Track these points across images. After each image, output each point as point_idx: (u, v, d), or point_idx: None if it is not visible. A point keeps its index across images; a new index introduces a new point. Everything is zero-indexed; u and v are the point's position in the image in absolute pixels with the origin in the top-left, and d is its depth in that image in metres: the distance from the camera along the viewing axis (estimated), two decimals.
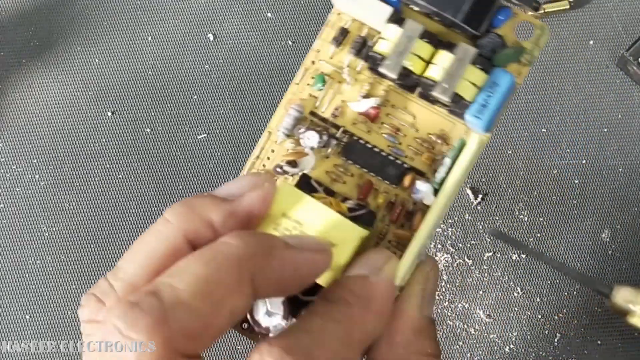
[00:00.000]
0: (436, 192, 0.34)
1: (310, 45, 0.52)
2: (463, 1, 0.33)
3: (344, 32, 0.35)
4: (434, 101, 0.35)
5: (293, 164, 0.35)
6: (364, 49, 0.35)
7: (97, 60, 0.51)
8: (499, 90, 0.33)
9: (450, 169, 0.33)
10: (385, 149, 0.36)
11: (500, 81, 0.33)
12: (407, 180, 0.35)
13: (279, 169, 0.36)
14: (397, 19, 0.34)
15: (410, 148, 0.35)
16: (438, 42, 0.34)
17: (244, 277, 0.24)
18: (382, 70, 0.33)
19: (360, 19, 0.35)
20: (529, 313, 0.48)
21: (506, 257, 0.49)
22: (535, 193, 0.49)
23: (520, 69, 0.34)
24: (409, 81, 0.34)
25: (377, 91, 0.36)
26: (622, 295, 0.27)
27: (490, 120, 0.33)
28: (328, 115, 0.36)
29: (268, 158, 0.37)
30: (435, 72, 0.33)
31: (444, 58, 0.33)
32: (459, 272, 0.48)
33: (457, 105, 0.34)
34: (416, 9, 0.35)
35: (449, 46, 0.33)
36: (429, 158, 0.35)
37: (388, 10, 0.34)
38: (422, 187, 0.34)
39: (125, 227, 0.49)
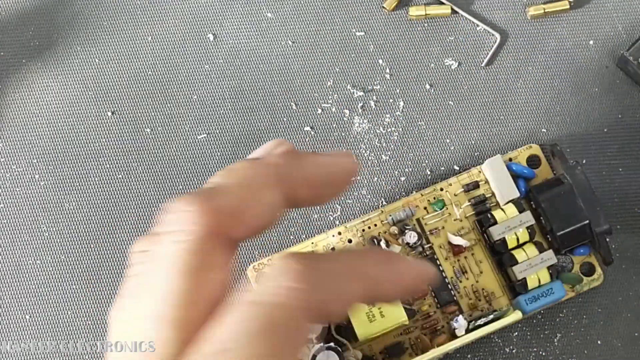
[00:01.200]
0: (467, 331, 0.44)
1: (311, 45, 0.53)
2: (567, 224, 0.45)
3: (475, 185, 0.47)
4: (504, 271, 0.46)
5: (387, 243, 0.46)
6: (480, 204, 0.47)
7: (97, 60, 0.51)
8: (551, 296, 0.44)
9: (486, 323, 0.44)
10: (449, 278, 0.46)
11: (555, 291, 0.44)
12: (451, 309, 0.46)
13: (374, 240, 0.46)
14: (517, 203, 0.46)
15: (465, 289, 0.47)
16: (533, 237, 0.46)
17: (276, 172, 0.29)
18: (490, 230, 0.45)
19: (492, 186, 0.47)
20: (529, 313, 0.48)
21: None
22: None
23: (569, 290, 0.46)
24: (498, 247, 0.45)
25: (470, 237, 0.47)
26: None
27: (532, 310, 0.44)
28: (428, 229, 0.47)
29: (369, 227, 0.47)
30: (521, 256, 0.45)
31: (532, 251, 0.45)
32: None
33: (519, 286, 0.45)
34: (533, 206, 0.46)
35: (539, 245, 0.45)
36: (472, 305, 0.46)
37: (516, 194, 0.46)
38: (461, 322, 0.44)
39: (125, 227, 0.49)
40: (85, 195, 0.50)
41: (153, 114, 0.50)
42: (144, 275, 0.27)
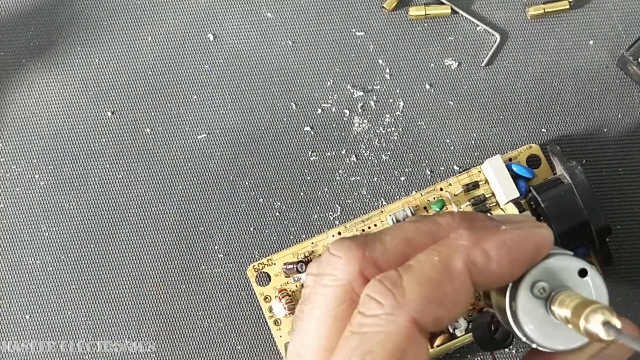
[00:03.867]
0: (466, 331, 0.44)
1: (311, 45, 0.53)
2: (567, 224, 0.45)
3: (475, 185, 0.47)
4: None
5: None
6: (480, 204, 0.47)
7: (97, 60, 0.51)
8: None
9: None
10: None
11: None
12: None
13: None
14: (517, 203, 0.45)
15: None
16: None
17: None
18: None
19: (492, 186, 0.47)
20: None
21: None
22: None
23: None
24: None
25: None
26: None
27: None
28: None
29: (369, 227, 0.47)
30: None
31: None
32: None
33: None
34: (533, 206, 0.46)
35: None
36: (472, 305, 0.45)
37: (515, 194, 0.46)
38: (461, 322, 0.44)
39: (125, 227, 0.49)
40: (85, 195, 0.50)
41: (153, 114, 0.50)
42: (302, 310, 0.28)
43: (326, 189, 0.50)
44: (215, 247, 0.49)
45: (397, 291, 0.26)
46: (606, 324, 0.26)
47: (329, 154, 0.50)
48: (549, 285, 0.29)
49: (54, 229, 0.49)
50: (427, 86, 0.51)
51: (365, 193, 0.49)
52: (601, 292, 0.29)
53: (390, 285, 0.26)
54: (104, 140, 0.50)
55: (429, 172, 0.50)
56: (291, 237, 0.49)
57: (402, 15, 0.51)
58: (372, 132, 0.50)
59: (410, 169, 0.50)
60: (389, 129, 0.50)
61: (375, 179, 0.50)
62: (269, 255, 0.47)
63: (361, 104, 0.50)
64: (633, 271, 0.49)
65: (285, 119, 0.50)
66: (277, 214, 0.49)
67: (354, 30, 0.51)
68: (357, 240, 0.28)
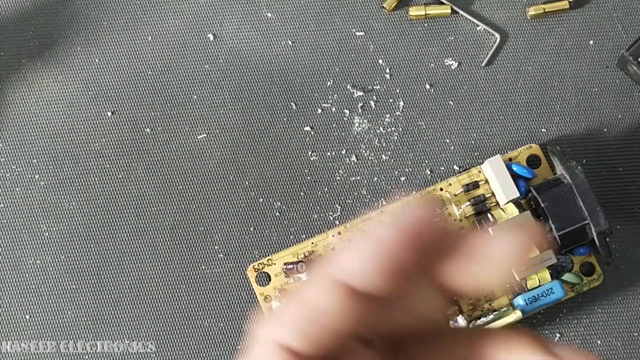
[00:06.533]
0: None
1: (311, 45, 0.53)
2: (567, 224, 0.45)
3: (475, 185, 0.48)
4: None
5: None
6: (480, 204, 0.47)
7: (97, 60, 0.51)
8: (551, 296, 0.44)
9: (486, 323, 0.44)
10: None
11: (555, 291, 0.44)
12: (451, 310, 0.46)
13: None
14: (517, 203, 0.46)
15: None
16: None
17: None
18: (490, 230, 0.42)
19: (492, 186, 0.47)
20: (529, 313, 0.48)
21: None
22: None
23: (568, 290, 0.46)
24: None
25: None
26: None
27: (532, 310, 0.44)
28: None
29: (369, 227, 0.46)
30: None
31: (532, 251, 0.39)
32: None
33: (519, 286, 0.45)
34: (533, 206, 0.47)
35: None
36: (472, 305, 0.47)
37: (515, 194, 0.46)
38: (461, 322, 0.45)
39: (125, 227, 0.49)
40: (85, 195, 0.50)
41: (153, 114, 0.50)
42: None
43: (326, 189, 0.50)
44: (215, 247, 0.49)
45: None
46: None
47: (329, 154, 0.50)
48: None
49: (54, 229, 0.49)
50: (427, 86, 0.51)
51: (365, 193, 0.49)
52: None
53: None
54: (104, 140, 0.50)
55: (429, 172, 0.50)
56: (291, 237, 0.49)
57: (402, 15, 0.51)
58: (372, 132, 0.50)
59: (410, 169, 0.50)
60: (389, 129, 0.50)
61: (375, 179, 0.50)
62: (269, 255, 0.47)
63: (361, 104, 0.50)
64: (633, 271, 0.49)
65: (285, 119, 0.50)
66: (277, 214, 0.49)
67: (354, 30, 0.51)
68: None
